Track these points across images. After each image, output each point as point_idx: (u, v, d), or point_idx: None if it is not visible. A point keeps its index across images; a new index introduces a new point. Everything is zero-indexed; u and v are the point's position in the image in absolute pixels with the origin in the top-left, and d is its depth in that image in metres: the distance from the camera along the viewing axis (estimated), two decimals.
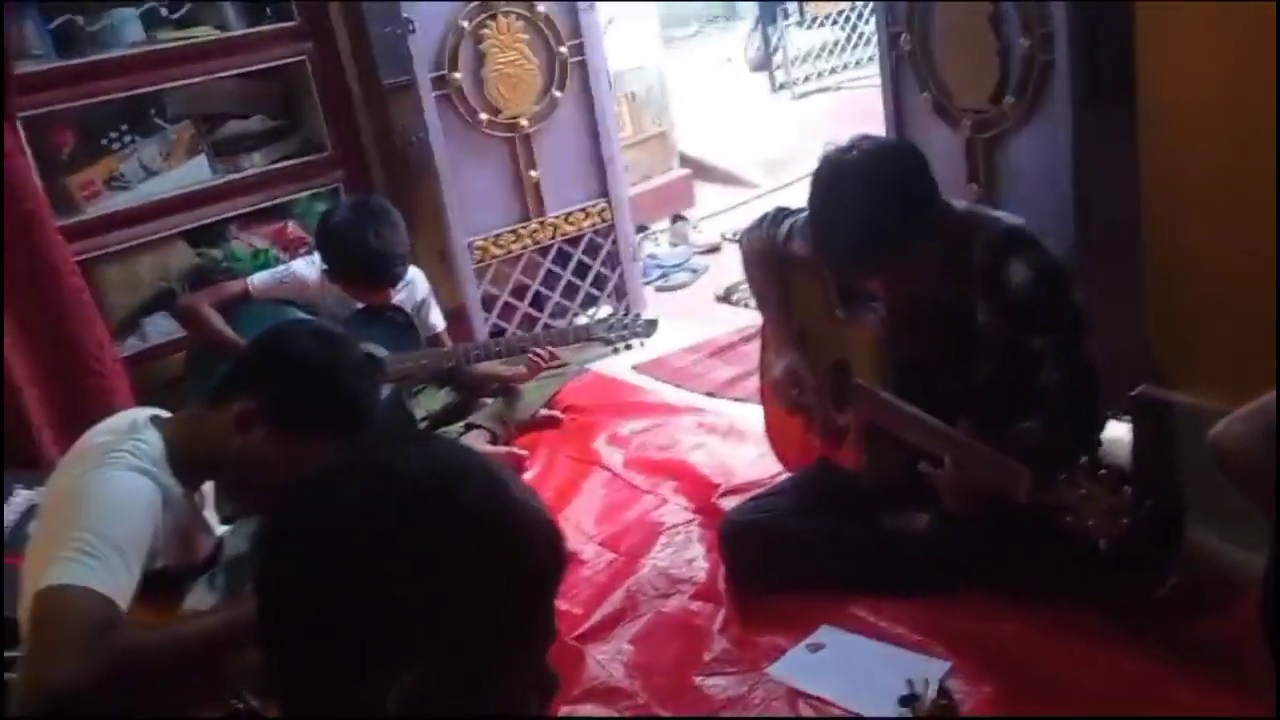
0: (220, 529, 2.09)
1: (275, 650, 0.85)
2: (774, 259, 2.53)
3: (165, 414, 1.99)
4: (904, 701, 1.55)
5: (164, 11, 3.28)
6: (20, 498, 2.64)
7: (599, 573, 2.59)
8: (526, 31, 3.58)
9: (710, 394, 3.46)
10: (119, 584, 1.64)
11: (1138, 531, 1.66)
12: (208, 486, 2.03)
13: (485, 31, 3.51)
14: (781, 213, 2.53)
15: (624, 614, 2.41)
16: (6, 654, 2.19)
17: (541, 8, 3.59)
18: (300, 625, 0.83)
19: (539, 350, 3.25)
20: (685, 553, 2.60)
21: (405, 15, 3.34)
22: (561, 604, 2.46)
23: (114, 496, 1.75)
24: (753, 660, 2.19)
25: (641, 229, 5.04)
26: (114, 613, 1.60)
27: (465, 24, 3.46)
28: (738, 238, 2.87)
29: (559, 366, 3.44)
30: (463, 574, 0.82)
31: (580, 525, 2.81)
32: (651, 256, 4.84)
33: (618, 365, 3.76)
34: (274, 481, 1.93)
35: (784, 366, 2.48)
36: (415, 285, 3.33)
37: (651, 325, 3.38)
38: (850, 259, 2.12)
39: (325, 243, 3.07)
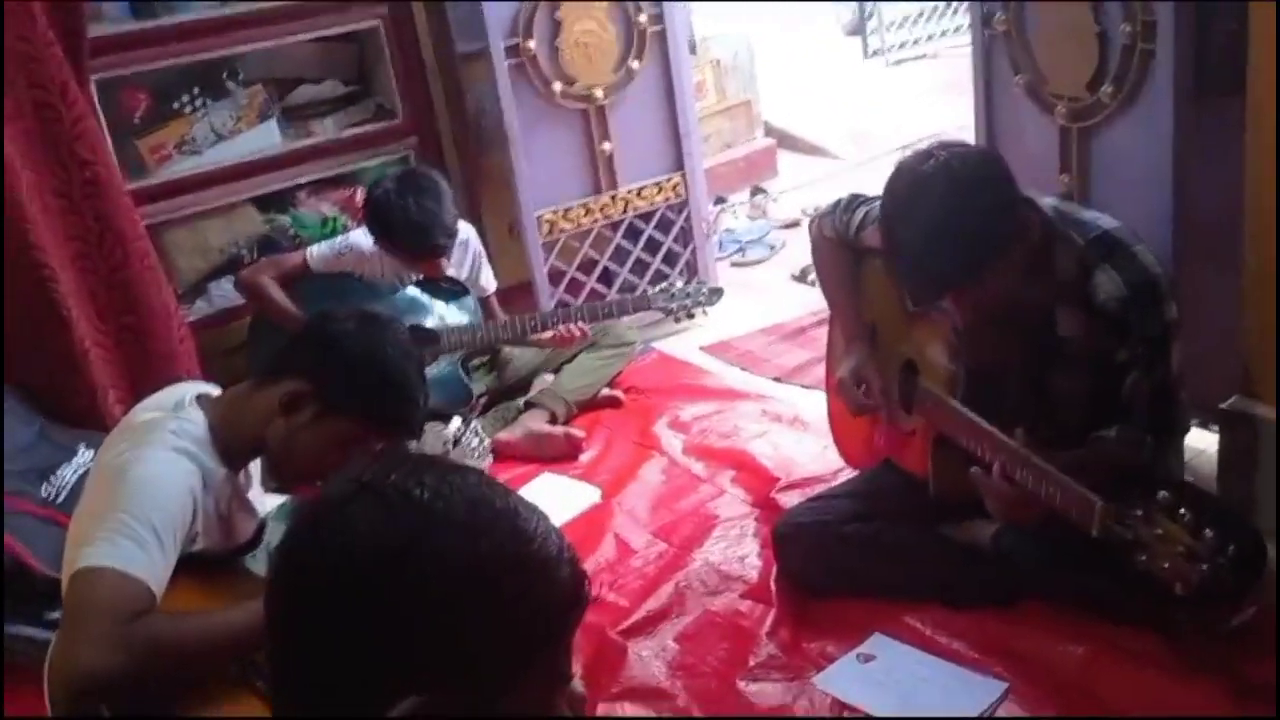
0: (268, 501, 2.08)
1: (278, 666, 0.82)
2: (845, 249, 2.42)
3: (214, 391, 1.98)
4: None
5: None
6: (83, 457, 2.69)
7: (649, 564, 2.53)
8: (605, 1, 3.48)
9: (777, 379, 3.37)
10: (153, 567, 1.63)
11: (1216, 577, 1.53)
12: (255, 464, 2.02)
13: (563, 0, 3.42)
14: (855, 199, 2.41)
15: (670, 610, 2.34)
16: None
17: None
18: (302, 646, 0.81)
19: (572, 326, 3.18)
20: (739, 548, 2.52)
21: None
22: (609, 595, 2.42)
23: (152, 478, 1.74)
24: (799, 667, 2.12)
25: (719, 200, 4.94)
26: (146, 597, 1.59)
27: None
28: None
29: (619, 347, 3.37)
30: (471, 610, 0.79)
31: (635, 512, 2.76)
32: (729, 230, 4.72)
33: (684, 346, 3.69)
34: (315, 466, 1.93)
35: (851, 367, 2.37)
36: (468, 243, 3.30)
37: (716, 294, 3.30)
38: (925, 279, 1.99)
39: (370, 214, 3.05)
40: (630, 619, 2.32)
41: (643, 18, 3.53)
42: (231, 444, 1.88)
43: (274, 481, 2.01)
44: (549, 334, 3.21)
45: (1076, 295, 2.01)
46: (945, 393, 2.13)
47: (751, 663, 2.15)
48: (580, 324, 3.20)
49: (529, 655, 0.83)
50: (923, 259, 1.92)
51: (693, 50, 5.78)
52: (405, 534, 0.79)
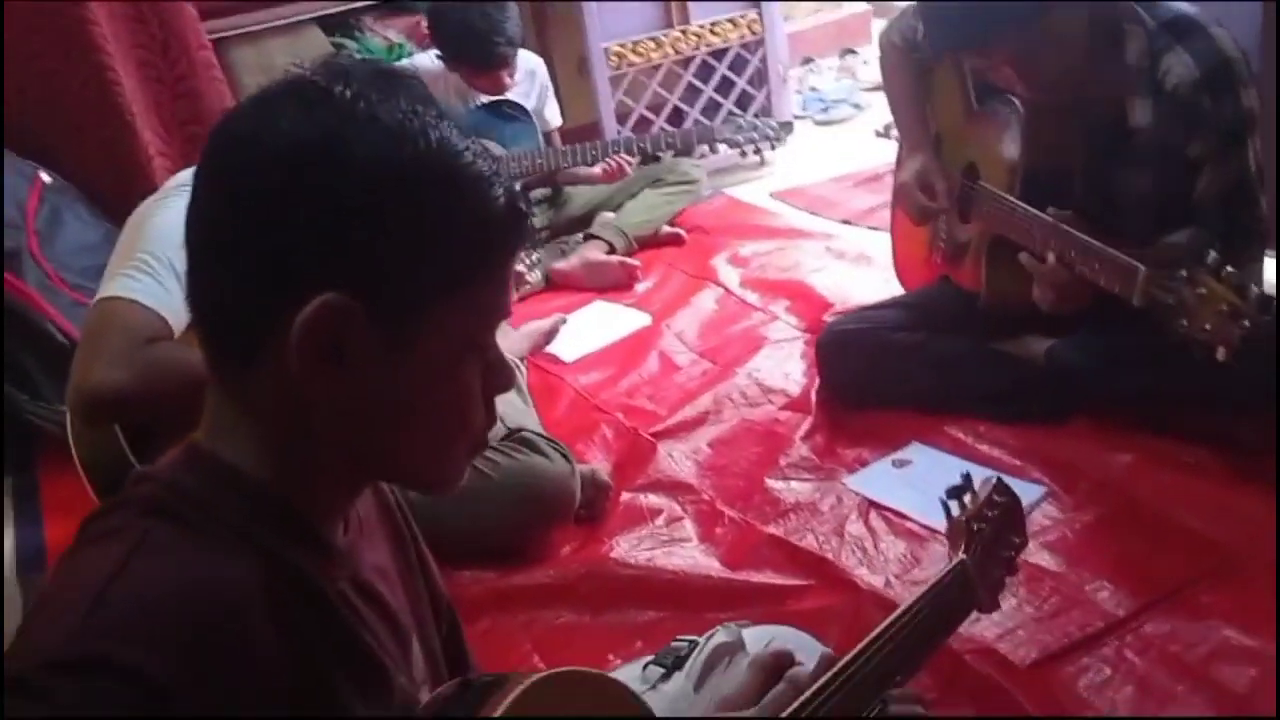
0: None
1: (193, 261, 0.79)
2: (911, 56, 2.29)
3: None
4: (951, 493, 1.37)
5: None
6: None
7: (691, 380, 2.49)
8: None
9: (845, 221, 3.25)
10: (171, 302, 1.63)
11: (1261, 341, 1.41)
12: None
13: None
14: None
15: (707, 416, 2.30)
16: None
17: None
18: (218, 236, 0.77)
19: (615, 158, 3.12)
20: (784, 365, 2.45)
21: None
22: (644, 403, 2.38)
23: (174, 222, 1.72)
24: (831, 470, 2.06)
25: (807, 60, 4.77)
26: (161, 326, 1.60)
27: None
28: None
29: (683, 184, 3.29)
30: (390, 214, 0.75)
31: (683, 335, 2.71)
32: (813, 89, 4.56)
33: (754, 192, 3.59)
34: None
35: (914, 170, 2.26)
36: (535, 73, 3.25)
37: (785, 128, 3.20)
38: (967, 30, 1.84)
39: (434, 22, 3.01)
40: (664, 423, 2.29)
41: None
42: None
43: None
44: (598, 169, 3.15)
45: (1147, 82, 1.86)
46: (1005, 191, 2.02)
47: (783, 463, 2.09)
48: (626, 156, 3.12)
49: (454, 276, 0.78)
50: (957, 11, 1.78)
51: None
52: (323, 128, 0.75)
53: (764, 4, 3.59)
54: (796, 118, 4.32)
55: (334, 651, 0.78)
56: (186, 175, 1.85)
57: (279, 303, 0.73)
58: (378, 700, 0.82)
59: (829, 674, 1.07)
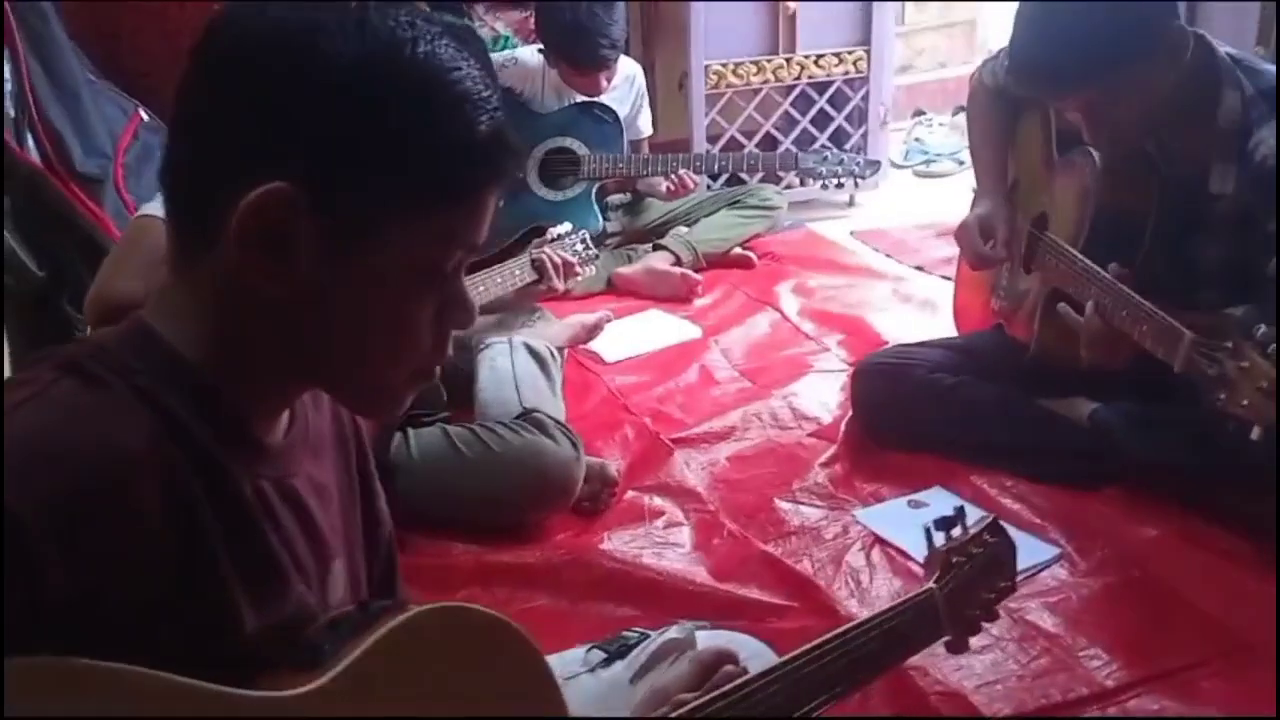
0: None
1: (172, 134, 0.80)
2: (1000, 99, 2.23)
3: None
4: (940, 523, 1.31)
5: None
6: None
7: (726, 395, 2.44)
8: None
9: (919, 267, 3.17)
10: None
11: None
12: None
13: None
14: None
15: (732, 431, 2.25)
16: None
17: None
18: (198, 113, 0.77)
19: (681, 174, 3.10)
20: (823, 395, 2.39)
21: None
22: (674, 410, 2.35)
23: None
24: (844, 500, 1.99)
25: (919, 113, 4.70)
26: None
27: None
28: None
29: (762, 209, 3.26)
30: (363, 117, 0.74)
31: (729, 352, 2.67)
32: (918, 140, 4.48)
33: (836, 229, 3.53)
34: None
35: (979, 214, 2.19)
36: (634, 81, 3.26)
37: (872, 166, 3.16)
38: (1055, 71, 1.78)
39: (542, 16, 3.05)
40: (688, 430, 2.25)
41: None
42: None
43: None
44: (665, 183, 3.13)
45: (1236, 149, 1.77)
46: (1071, 244, 1.94)
47: (796, 486, 2.03)
48: (692, 174, 3.10)
49: (414, 194, 0.76)
50: (1053, 35, 1.71)
51: None
52: (308, 21, 0.75)
53: (874, 43, 3.54)
54: (898, 167, 4.27)
55: (230, 542, 0.76)
56: None
57: (233, 186, 0.73)
58: (268, 603, 0.80)
59: (764, 671, 1.03)
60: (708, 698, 0.98)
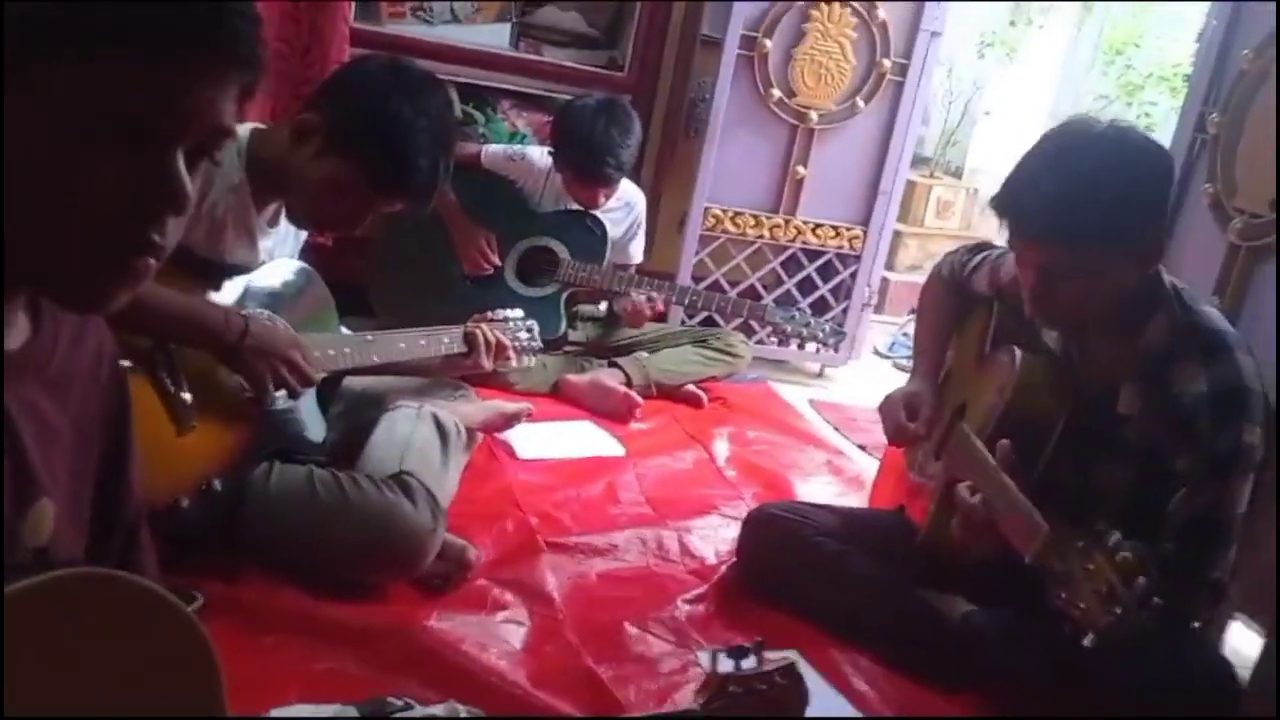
0: (276, 251, 2.04)
1: None
2: (953, 291, 2.24)
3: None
4: (734, 651, 1.24)
5: None
6: None
7: (622, 515, 2.38)
8: (856, 30, 3.43)
9: (862, 446, 3.13)
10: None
11: (1125, 628, 1.25)
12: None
13: (815, 12, 3.39)
14: (982, 245, 2.26)
15: (614, 550, 2.19)
16: None
17: (881, 11, 3.42)
18: None
19: (642, 300, 3.11)
20: (717, 539, 2.32)
21: None
22: (564, 516, 2.29)
23: None
24: (694, 641, 1.90)
25: (914, 311, 4.73)
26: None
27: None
28: None
29: (726, 354, 3.26)
30: None
31: (643, 477, 2.61)
32: (906, 335, 4.50)
33: (796, 393, 3.52)
34: (315, 207, 1.93)
35: (906, 390, 2.17)
36: (634, 207, 3.29)
37: (838, 335, 3.16)
38: (1047, 207, 1.67)
39: (559, 119, 3.10)
40: (567, 538, 2.18)
41: (887, 62, 3.45)
42: (257, 168, 1.91)
43: (288, 217, 2.01)
44: (629, 304, 3.14)
45: (1154, 375, 1.75)
46: (979, 434, 1.90)
47: (651, 617, 1.95)
48: (655, 299, 3.12)
49: (94, 30, 0.70)
50: (1051, 190, 1.65)
51: (958, 175, 5.70)
52: None
53: (873, 226, 3.59)
54: (880, 355, 4.29)
55: None
56: None
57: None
58: None
59: None
60: None
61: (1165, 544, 1.68)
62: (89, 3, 0.70)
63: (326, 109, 1.84)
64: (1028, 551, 1.46)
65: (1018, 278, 1.82)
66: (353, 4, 3.18)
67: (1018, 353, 1.91)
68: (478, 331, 2.34)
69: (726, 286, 3.56)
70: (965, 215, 5.35)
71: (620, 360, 3.17)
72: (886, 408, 2.16)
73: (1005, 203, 1.74)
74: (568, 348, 3.25)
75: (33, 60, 0.70)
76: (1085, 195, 1.63)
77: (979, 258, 2.18)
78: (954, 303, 2.23)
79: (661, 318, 3.30)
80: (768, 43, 3.38)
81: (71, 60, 0.71)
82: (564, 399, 3.04)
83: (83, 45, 0.70)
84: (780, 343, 3.56)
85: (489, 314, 2.45)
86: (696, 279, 3.55)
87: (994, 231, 5.44)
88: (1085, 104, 7.00)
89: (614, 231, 3.23)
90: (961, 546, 1.70)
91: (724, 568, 2.15)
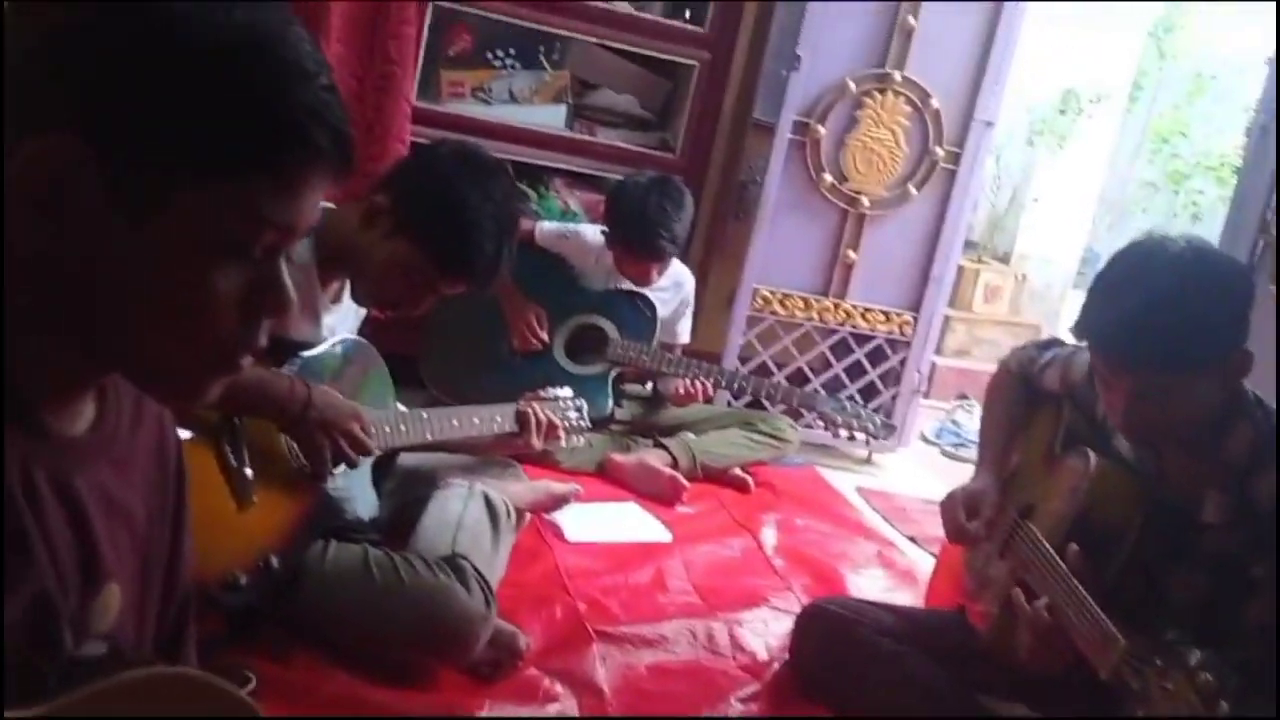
0: (339, 329, 2.05)
1: None
2: (1021, 385, 2.21)
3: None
4: None
5: None
6: None
7: (671, 604, 2.34)
8: (910, 119, 3.45)
9: (911, 538, 3.08)
10: None
11: None
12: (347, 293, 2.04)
13: (868, 100, 3.41)
14: (1052, 341, 2.22)
15: (663, 641, 2.14)
16: None
17: (935, 101, 3.44)
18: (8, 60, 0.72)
19: (695, 383, 3.10)
20: (768, 633, 2.27)
21: (798, 51, 3.32)
22: (612, 604, 2.25)
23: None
24: None
25: (963, 397, 4.69)
26: None
27: (852, 85, 3.39)
28: None
29: (773, 438, 3.22)
30: (155, 62, 0.70)
31: (692, 563, 2.57)
32: (955, 422, 4.45)
33: (844, 480, 3.47)
34: (380, 287, 1.94)
35: (968, 489, 2.13)
36: (683, 287, 3.29)
37: (889, 428, 3.13)
38: (1129, 337, 1.66)
39: (613, 196, 3.12)
40: (617, 628, 2.14)
41: (940, 150, 3.46)
42: (324, 248, 1.92)
43: (353, 295, 2.02)
44: (676, 385, 3.12)
45: (1234, 483, 1.70)
46: (1049, 540, 1.86)
47: (704, 713, 1.90)
48: (704, 382, 3.11)
49: (215, 161, 0.72)
50: (1138, 317, 1.63)
51: (1006, 260, 5.68)
52: None
53: (924, 311, 3.57)
54: (928, 442, 4.24)
55: None
56: None
57: (15, 136, 0.69)
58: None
59: None
60: None
61: (1237, 652, 1.63)
62: (234, 138, 0.72)
63: (396, 192, 1.86)
64: (1102, 665, 1.42)
65: (1090, 379, 1.79)
66: (415, 84, 3.23)
67: (1092, 457, 1.87)
68: (529, 411, 2.34)
69: (774, 369, 3.55)
70: (1013, 300, 5.32)
71: (666, 441, 3.14)
72: (948, 505, 2.12)
73: (1088, 329, 1.73)
74: (613, 426, 3.23)
75: (180, 187, 0.72)
76: (1172, 321, 1.61)
77: (1050, 355, 2.15)
78: (1022, 399, 2.20)
79: (708, 400, 3.28)
80: (820, 129, 3.40)
81: (217, 189, 0.72)
82: (609, 479, 3.01)
83: (226, 176, 0.72)
84: (825, 427, 3.53)
85: (540, 392, 2.44)
86: (743, 360, 3.54)
87: (1042, 317, 5.40)
88: (1131, 191, 7.00)
89: (663, 311, 3.23)
90: (1029, 654, 1.64)
91: (776, 665, 2.10)
